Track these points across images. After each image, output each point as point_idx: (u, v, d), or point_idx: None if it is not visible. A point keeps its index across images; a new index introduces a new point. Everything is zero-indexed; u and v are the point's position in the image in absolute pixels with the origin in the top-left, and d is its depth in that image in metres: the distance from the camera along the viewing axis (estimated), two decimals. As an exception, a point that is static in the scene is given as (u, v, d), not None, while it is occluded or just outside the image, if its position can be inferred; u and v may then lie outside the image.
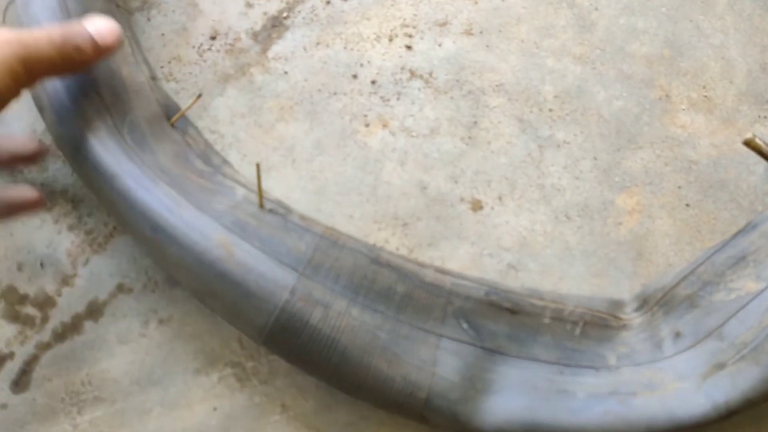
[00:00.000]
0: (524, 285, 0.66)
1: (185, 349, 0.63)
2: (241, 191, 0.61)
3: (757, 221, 0.63)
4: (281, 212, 0.60)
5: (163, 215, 0.55)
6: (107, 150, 0.57)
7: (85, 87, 0.58)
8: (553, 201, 0.72)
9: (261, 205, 0.58)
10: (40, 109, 0.61)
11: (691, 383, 0.55)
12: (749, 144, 0.64)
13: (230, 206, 0.58)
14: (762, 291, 0.57)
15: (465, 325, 0.58)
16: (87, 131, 0.57)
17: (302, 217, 0.61)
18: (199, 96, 0.61)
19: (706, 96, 0.78)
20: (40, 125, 0.69)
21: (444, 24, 0.77)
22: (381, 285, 0.58)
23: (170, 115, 0.62)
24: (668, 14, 0.81)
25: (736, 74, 0.79)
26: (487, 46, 0.77)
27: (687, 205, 0.73)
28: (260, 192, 0.57)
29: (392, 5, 0.77)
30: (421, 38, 0.76)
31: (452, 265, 0.67)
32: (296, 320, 0.54)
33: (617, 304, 0.64)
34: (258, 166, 0.54)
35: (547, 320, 0.61)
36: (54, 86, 0.58)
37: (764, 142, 0.64)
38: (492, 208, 0.71)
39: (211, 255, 0.55)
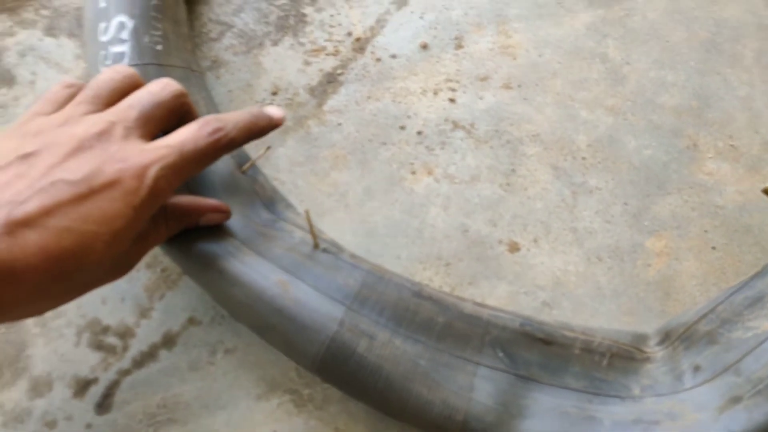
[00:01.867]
0: (557, 320, 0.74)
1: (248, 377, 0.72)
2: (298, 234, 0.71)
3: (774, 265, 0.70)
4: (333, 251, 0.69)
5: (228, 261, 0.66)
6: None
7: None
8: (585, 243, 0.80)
9: (316, 246, 0.68)
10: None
11: (708, 414, 0.62)
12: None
13: (287, 248, 0.68)
14: (777, 330, 0.65)
15: (501, 354, 0.66)
16: None
17: (352, 256, 0.70)
18: (268, 148, 0.72)
19: (732, 145, 0.86)
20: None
21: (485, 79, 0.87)
22: (422, 317, 0.67)
23: (241, 165, 0.73)
24: (696, 68, 0.90)
25: (761, 124, 0.87)
26: (525, 99, 0.87)
27: (713, 248, 0.81)
28: (313, 234, 0.66)
29: (437, 62, 0.88)
30: (464, 92, 0.87)
31: (490, 302, 0.76)
32: (344, 349, 0.63)
33: (641, 338, 0.72)
34: (307, 211, 0.64)
35: (577, 351, 0.68)
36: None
37: (783, 192, 0.72)
38: (528, 249, 0.80)
39: (269, 293, 0.65)
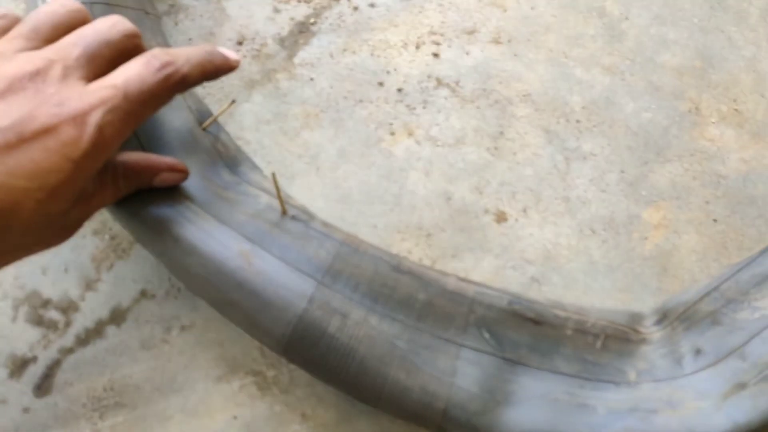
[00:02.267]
0: (548, 297, 0.69)
1: (206, 357, 0.66)
2: (264, 199, 0.64)
3: (784, 240, 0.65)
4: (303, 219, 0.63)
5: (183, 227, 0.59)
6: None
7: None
8: (578, 214, 0.74)
9: (284, 212, 0.61)
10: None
11: (711, 402, 0.57)
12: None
13: (252, 215, 0.61)
14: (787, 311, 0.60)
15: (486, 335, 0.61)
16: None
17: (324, 224, 0.64)
18: (233, 102, 0.65)
19: (736, 109, 0.80)
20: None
21: (472, 32, 0.80)
22: (401, 293, 0.61)
23: (202, 121, 0.66)
24: (700, 25, 0.83)
25: (767, 88, 0.82)
26: (515, 55, 0.80)
27: (714, 220, 0.75)
28: (280, 199, 0.60)
29: (420, 12, 0.80)
30: (449, 46, 0.79)
31: (475, 277, 0.70)
32: (314, 329, 0.57)
33: (637, 317, 0.67)
34: (273, 175, 0.57)
35: (569, 332, 0.63)
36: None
37: (794, 160, 0.66)
38: (516, 220, 0.73)
39: (230, 265, 0.58)
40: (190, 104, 0.67)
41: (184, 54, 0.49)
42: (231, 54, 0.55)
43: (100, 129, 0.41)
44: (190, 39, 0.77)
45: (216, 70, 0.52)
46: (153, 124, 0.63)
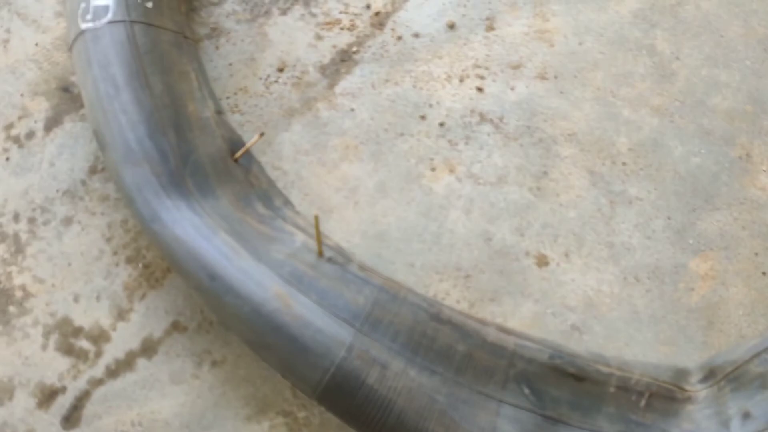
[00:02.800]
0: (588, 348, 0.67)
1: (237, 394, 0.65)
2: (300, 238, 0.63)
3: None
4: (340, 261, 0.62)
5: (221, 264, 0.58)
6: (169, 197, 0.59)
7: (151, 126, 0.61)
8: (622, 261, 0.72)
9: (320, 254, 0.60)
10: (102, 146, 0.64)
11: (761, 472, 0.55)
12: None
13: (288, 255, 0.60)
14: None
15: (527, 391, 0.59)
16: (150, 174, 0.60)
17: (361, 267, 0.63)
18: (262, 134, 0.64)
19: (790, 157, 0.78)
20: (100, 160, 0.73)
21: (518, 66, 0.79)
22: (441, 344, 0.60)
23: (235, 151, 0.65)
24: (753, 68, 0.81)
25: (823, 136, 0.79)
26: (561, 92, 0.78)
27: (763, 273, 0.73)
28: (319, 241, 0.59)
29: (465, 44, 0.79)
30: (493, 80, 0.78)
31: (513, 323, 0.68)
32: (352, 379, 0.56)
33: (683, 374, 0.65)
34: (316, 218, 0.56)
35: (612, 389, 0.61)
36: (119, 124, 0.61)
37: None
38: (558, 264, 0.72)
39: (268, 307, 0.57)
40: (224, 133, 0.66)
41: None
42: None
43: None
44: (230, 63, 0.76)
45: None
46: (188, 146, 0.62)
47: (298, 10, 0.78)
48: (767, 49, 0.83)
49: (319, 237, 0.60)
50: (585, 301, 0.71)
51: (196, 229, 0.59)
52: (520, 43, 0.80)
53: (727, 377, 0.64)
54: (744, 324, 0.70)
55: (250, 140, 0.66)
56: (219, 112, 0.67)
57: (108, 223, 0.71)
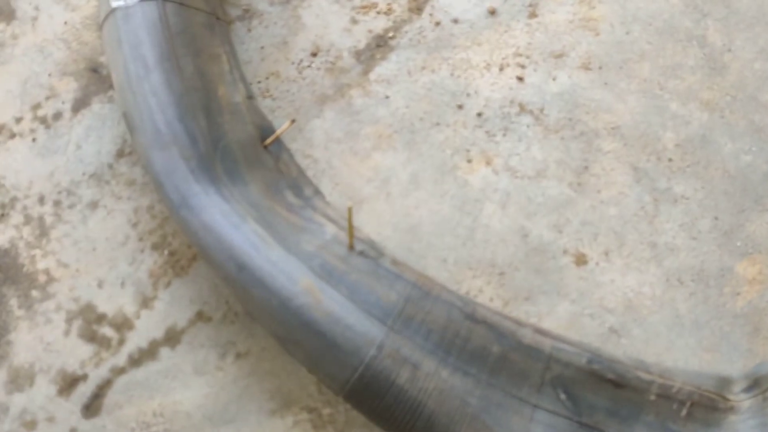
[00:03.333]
0: (626, 352, 0.64)
1: (261, 388, 0.63)
2: (331, 229, 0.61)
3: None
4: (372, 255, 0.60)
5: (250, 254, 0.56)
6: (198, 182, 0.57)
7: (181, 109, 0.59)
8: (665, 262, 0.69)
9: (351, 247, 0.58)
10: (131, 129, 0.63)
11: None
12: None
13: (319, 246, 0.58)
14: None
15: (563, 396, 0.57)
16: (179, 159, 0.58)
17: (394, 262, 0.60)
18: (293, 121, 0.62)
19: None
20: (128, 143, 0.71)
21: (560, 56, 0.75)
22: (475, 344, 0.57)
23: (265, 137, 0.63)
24: (812, 62, 0.77)
25: None
26: (606, 83, 0.75)
27: (816, 279, 0.69)
28: (351, 234, 0.57)
29: (506, 32, 0.76)
30: (535, 70, 0.75)
31: (549, 323, 0.66)
32: (382, 379, 0.54)
33: (726, 382, 0.62)
34: (350, 209, 0.54)
35: (652, 397, 0.59)
36: (149, 106, 0.59)
37: None
38: (597, 263, 0.69)
39: (297, 302, 0.55)
40: (254, 118, 0.64)
41: None
42: None
43: None
44: (262, 47, 0.74)
45: None
46: (219, 130, 0.60)
47: (334, -8, 0.76)
48: (826, 42, 0.79)
49: (351, 229, 0.58)
50: (624, 303, 0.68)
51: (224, 216, 0.58)
52: (563, 31, 0.77)
53: (775, 388, 0.61)
54: (793, 332, 0.67)
55: (281, 127, 0.64)
56: (250, 96, 0.65)
57: (134, 208, 0.70)
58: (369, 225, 0.68)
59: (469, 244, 0.68)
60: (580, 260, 0.69)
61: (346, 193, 0.69)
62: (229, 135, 0.61)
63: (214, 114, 0.61)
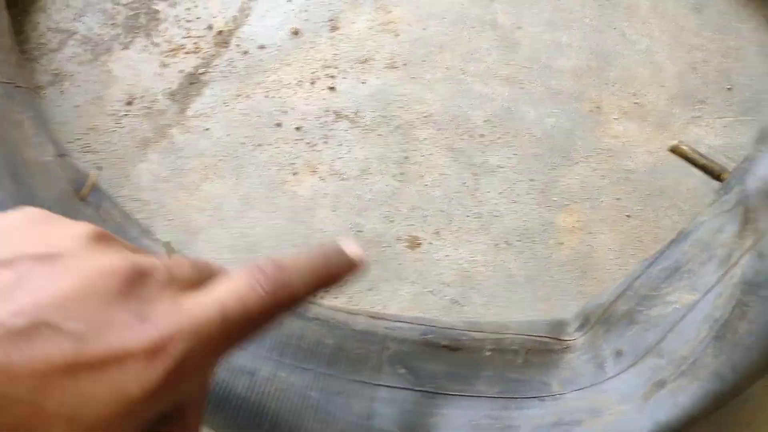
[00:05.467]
0: (468, 319, 0.68)
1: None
2: (160, 261, 0.62)
3: (689, 230, 0.65)
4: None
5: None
6: None
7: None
8: (491, 228, 0.74)
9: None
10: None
11: (633, 405, 0.57)
12: (675, 151, 0.67)
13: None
14: (697, 302, 0.59)
15: (402, 371, 0.60)
16: None
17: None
18: (99, 170, 0.64)
19: (637, 103, 0.81)
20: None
21: (366, 60, 0.80)
22: (309, 341, 0.60)
23: (79, 190, 0.65)
24: (592, 25, 0.84)
25: (665, 77, 0.82)
26: (413, 77, 0.80)
27: (627, 216, 0.75)
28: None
29: (312, 48, 0.80)
30: (344, 78, 0.79)
31: (394, 308, 0.69)
32: (219, 392, 0.56)
33: (559, 325, 0.66)
34: (168, 243, 0.56)
35: (488, 353, 0.62)
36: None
37: (690, 148, 0.67)
38: (430, 243, 0.73)
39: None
40: (69, 174, 0.66)
41: (297, 267, 0.33)
42: (355, 251, 0.35)
43: (183, 361, 0.31)
44: (76, 105, 0.75)
45: (335, 280, 0.36)
46: (29, 191, 0.62)
47: (140, 42, 0.79)
48: (602, 4, 0.86)
49: (170, 253, 0.60)
50: (461, 274, 0.72)
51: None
52: (365, 37, 0.82)
53: (599, 320, 0.66)
54: (615, 267, 0.73)
55: (88, 179, 0.66)
56: (61, 155, 0.67)
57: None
58: (207, 252, 0.70)
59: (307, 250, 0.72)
60: (414, 243, 0.73)
61: (180, 228, 0.71)
62: (42, 193, 0.62)
63: (22, 176, 0.63)
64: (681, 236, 0.66)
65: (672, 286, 0.63)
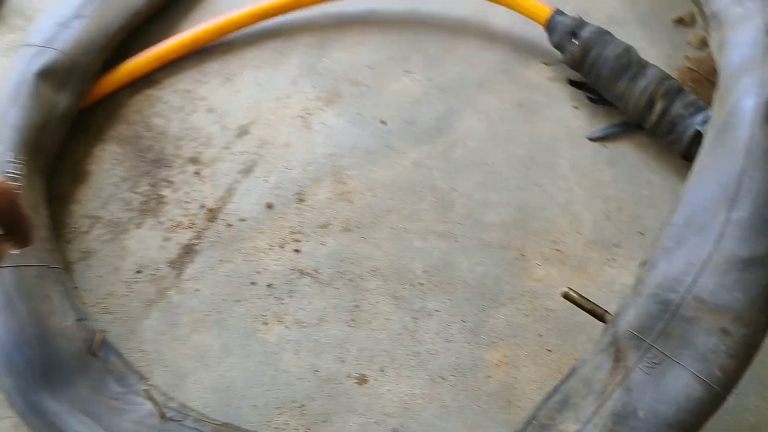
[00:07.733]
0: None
1: None
2: (148, 406, 0.77)
3: (576, 366, 0.75)
4: (178, 418, 0.75)
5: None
6: (35, 393, 0.75)
7: (17, 343, 0.77)
8: (428, 365, 0.85)
9: (162, 416, 0.74)
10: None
11: None
12: (566, 297, 0.78)
13: (135, 422, 0.75)
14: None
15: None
16: (17, 382, 0.75)
17: (196, 419, 0.76)
18: (103, 333, 0.79)
19: (557, 249, 0.93)
20: None
21: (325, 225, 0.96)
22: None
23: (91, 347, 0.80)
24: (517, 184, 0.98)
25: (582, 225, 0.94)
26: (363, 238, 0.95)
27: (548, 350, 0.86)
28: (157, 406, 0.73)
29: (281, 218, 0.97)
30: (308, 241, 0.95)
31: (342, 437, 0.80)
32: None
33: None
34: (147, 390, 0.70)
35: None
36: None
37: (578, 294, 0.78)
38: (376, 379, 0.85)
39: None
40: (84, 335, 0.82)
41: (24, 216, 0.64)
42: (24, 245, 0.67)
43: None
44: (100, 276, 0.93)
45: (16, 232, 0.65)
46: (49, 351, 0.78)
47: (149, 222, 0.97)
48: (527, 165, 1.00)
49: (155, 403, 0.75)
50: (402, 405, 0.83)
51: (57, 416, 0.74)
52: (325, 206, 0.98)
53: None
54: (537, 396, 0.82)
55: (95, 339, 0.82)
56: (80, 319, 0.83)
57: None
58: (194, 393, 0.84)
59: (273, 389, 0.84)
60: (362, 380, 0.85)
61: (173, 373, 0.86)
62: (60, 353, 0.79)
63: (47, 340, 0.79)
64: (571, 372, 0.76)
65: (563, 416, 0.73)
